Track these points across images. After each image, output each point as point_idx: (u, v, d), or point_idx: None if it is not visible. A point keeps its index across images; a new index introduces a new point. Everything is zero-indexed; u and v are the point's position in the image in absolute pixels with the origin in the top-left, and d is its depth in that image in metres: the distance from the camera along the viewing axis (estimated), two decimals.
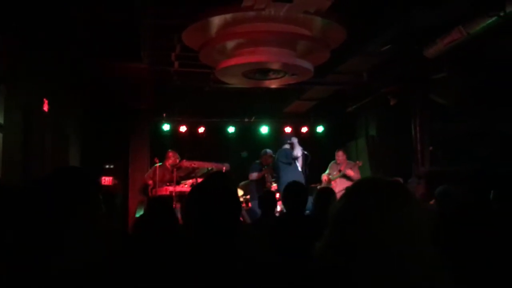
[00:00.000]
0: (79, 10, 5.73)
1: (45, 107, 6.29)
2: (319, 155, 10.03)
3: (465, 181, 3.14)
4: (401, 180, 6.53)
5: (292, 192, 3.58)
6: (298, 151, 8.28)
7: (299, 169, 8.22)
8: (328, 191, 4.14)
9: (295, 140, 8.49)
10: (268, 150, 8.81)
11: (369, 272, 1.12)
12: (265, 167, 8.68)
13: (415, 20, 5.72)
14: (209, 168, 8.45)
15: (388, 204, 1.20)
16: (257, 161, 8.84)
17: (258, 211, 5.40)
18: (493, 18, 5.40)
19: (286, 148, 8.39)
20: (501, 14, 5.27)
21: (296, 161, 8.28)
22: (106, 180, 9.46)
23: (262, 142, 10.59)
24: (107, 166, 9.60)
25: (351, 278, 1.12)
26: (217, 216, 1.82)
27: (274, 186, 8.69)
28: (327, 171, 8.70)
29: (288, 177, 7.26)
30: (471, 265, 2.01)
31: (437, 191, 4.31)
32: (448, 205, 3.80)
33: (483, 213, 2.48)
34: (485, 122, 7.23)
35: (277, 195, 6.01)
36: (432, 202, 4.79)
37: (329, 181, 8.49)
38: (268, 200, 4.64)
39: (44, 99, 6.25)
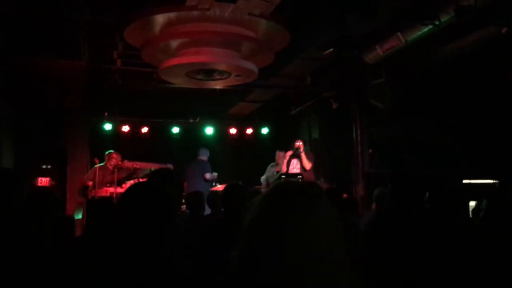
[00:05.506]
0: (11, 5, 5.45)
1: None
2: (264, 156, 10.10)
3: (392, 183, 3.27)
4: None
5: (231, 194, 3.58)
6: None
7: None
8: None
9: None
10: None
11: (270, 284, 1.09)
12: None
13: (351, 27, 5.89)
14: (152, 169, 8.30)
15: (293, 212, 1.15)
16: None
17: None
18: (429, 27, 5.65)
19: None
20: (436, 23, 5.51)
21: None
22: (43, 181, 9.11)
23: (207, 143, 10.54)
24: (44, 167, 9.23)
25: None
26: (143, 217, 1.82)
27: (218, 187, 8.66)
28: (265, 175, 8.76)
29: None
30: (399, 266, 2.07)
31: (374, 194, 4.46)
32: (384, 206, 3.93)
33: (413, 215, 2.57)
34: (414, 128, 7.55)
35: None
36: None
37: (269, 183, 8.52)
38: (194, 201, 4.73)
39: None
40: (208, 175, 8.77)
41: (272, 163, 8.79)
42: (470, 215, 4.06)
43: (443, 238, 2.38)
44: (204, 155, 9.16)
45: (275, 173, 8.53)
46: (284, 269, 1.09)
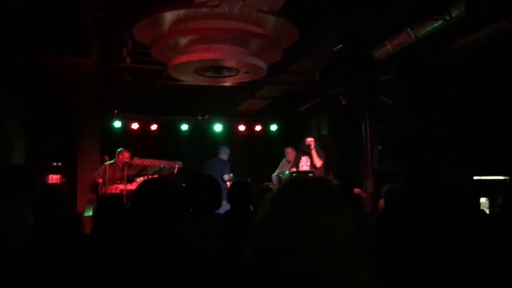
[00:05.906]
0: (21, 4, 5.48)
1: None
2: (272, 153, 10.12)
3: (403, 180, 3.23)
4: None
5: (236, 190, 3.59)
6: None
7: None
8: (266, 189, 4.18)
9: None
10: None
11: (283, 281, 1.09)
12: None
13: (360, 23, 5.85)
14: (161, 166, 8.35)
15: (307, 208, 1.15)
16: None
17: None
18: (439, 22, 5.59)
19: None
20: (447, 18, 5.46)
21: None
22: (54, 178, 9.18)
23: (216, 140, 10.56)
24: (54, 164, 9.31)
25: (267, 285, 1.09)
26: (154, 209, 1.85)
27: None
28: (277, 171, 8.76)
29: None
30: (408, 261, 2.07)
31: (383, 190, 4.43)
32: (393, 202, 3.90)
33: (421, 212, 2.56)
34: (424, 125, 7.50)
35: None
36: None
37: (280, 180, 8.52)
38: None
39: None
40: (226, 176, 8.80)
41: (284, 159, 8.82)
42: (487, 212, 4.03)
43: (448, 236, 2.36)
44: (224, 154, 9.25)
45: (286, 172, 8.54)
46: (298, 265, 1.09)
